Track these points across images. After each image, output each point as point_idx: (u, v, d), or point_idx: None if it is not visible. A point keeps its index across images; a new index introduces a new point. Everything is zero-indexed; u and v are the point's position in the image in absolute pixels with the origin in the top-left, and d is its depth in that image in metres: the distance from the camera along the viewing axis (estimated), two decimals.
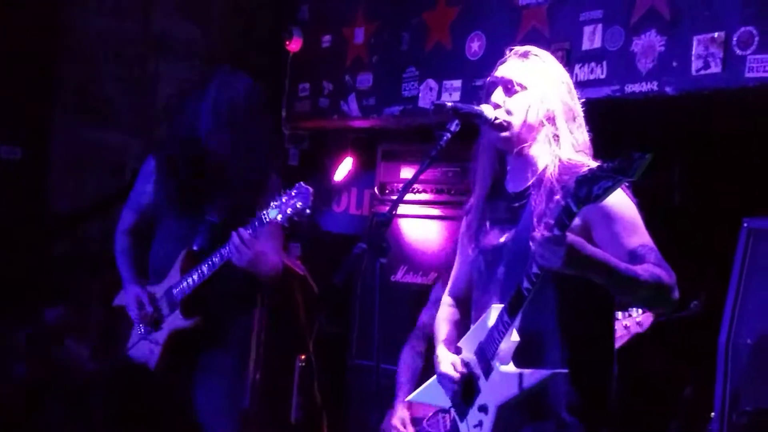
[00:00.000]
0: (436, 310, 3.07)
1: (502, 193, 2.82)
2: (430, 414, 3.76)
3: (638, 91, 3.98)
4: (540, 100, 2.72)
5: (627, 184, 2.44)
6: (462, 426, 2.76)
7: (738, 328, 3.67)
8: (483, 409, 2.67)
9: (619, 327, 3.62)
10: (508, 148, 2.77)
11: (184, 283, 3.73)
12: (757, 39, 3.60)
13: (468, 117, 2.73)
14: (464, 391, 2.74)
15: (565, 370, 2.60)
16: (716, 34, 3.72)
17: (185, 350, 3.79)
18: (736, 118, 4.32)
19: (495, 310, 2.64)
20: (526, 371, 2.57)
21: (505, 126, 2.73)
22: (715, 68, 3.73)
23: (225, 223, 3.67)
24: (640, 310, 3.72)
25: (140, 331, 3.86)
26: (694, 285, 3.57)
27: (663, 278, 2.49)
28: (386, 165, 5.27)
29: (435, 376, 2.86)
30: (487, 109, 2.73)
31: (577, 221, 2.42)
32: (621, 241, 2.56)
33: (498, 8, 4.63)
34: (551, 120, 2.72)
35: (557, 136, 2.71)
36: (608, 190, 2.24)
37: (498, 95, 2.76)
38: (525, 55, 2.80)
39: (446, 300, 3.04)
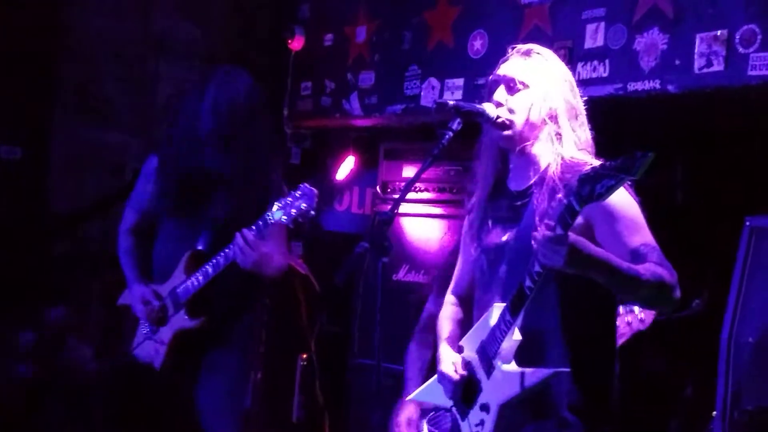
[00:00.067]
0: (438, 309, 3.06)
1: (504, 192, 2.81)
2: (435, 411, 3.74)
3: (641, 90, 3.98)
4: (542, 98, 2.72)
5: (629, 182, 2.43)
6: (463, 425, 2.76)
7: (740, 326, 3.66)
8: (485, 408, 2.67)
9: (620, 323, 3.61)
10: (510, 147, 2.77)
11: (189, 284, 3.73)
12: (759, 37, 3.60)
13: (470, 115, 2.73)
14: (465, 390, 2.74)
15: (567, 369, 2.60)
16: (719, 32, 3.71)
17: (190, 350, 3.79)
18: (738, 116, 4.32)
19: (497, 309, 2.64)
20: (528, 370, 2.57)
21: (508, 124, 2.73)
22: (717, 66, 3.73)
23: (228, 223, 3.67)
24: None
25: (145, 330, 3.86)
26: (696, 283, 3.56)
27: (665, 277, 2.48)
28: (388, 164, 5.26)
29: (436, 375, 2.86)
30: (489, 108, 2.73)
31: (579, 220, 2.41)
32: (623, 240, 2.55)
33: (500, 7, 4.64)
34: (554, 118, 2.72)
35: (560, 135, 2.71)
36: (611, 189, 2.23)
37: (500, 94, 2.75)
38: (527, 53, 2.79)
39: (449, 299, 3.04)
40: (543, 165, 2.72)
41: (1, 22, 5.18)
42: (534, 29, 4.42)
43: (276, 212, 3.48)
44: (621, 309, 3.65)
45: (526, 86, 2.73)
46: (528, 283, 2.48)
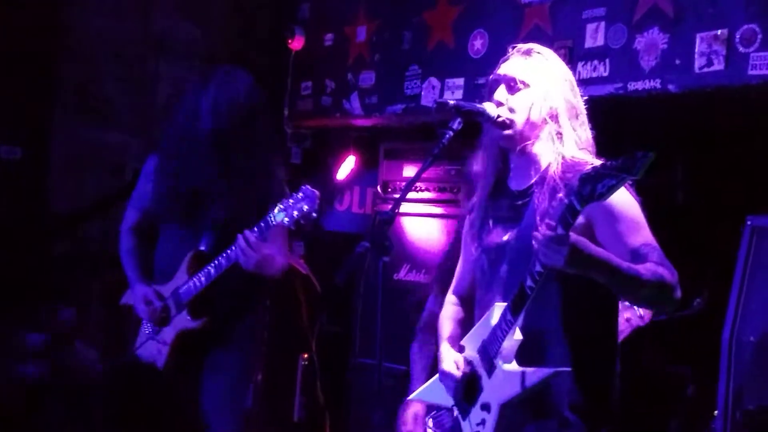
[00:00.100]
0: (438, 308, 3.06)
1: (505, 191, 2.81)
2: (437, 410, 3.74)
3: (641, 89, 3.98)
4: (543, 97, 2.72)
5: (630, 182, 2.43)
6: (465, 424, 2.76)
7: (741, 325, 3.66)
8: (486, 407, 2.67)
9: (620, 319, 3.61)
10: (510, 146, 2.76)
11: (191, 284, 3.72)
12: (760, 37, 3.60)
13: (470, 115, 2.73)
14: (467, 389, 2.74)
15: (568, 369, 2.60)
16: (719, 32, 3.71)
17: (192, 350, 3.79)
18: (739, 115, 4.32)
19: (498, 309, 2.64)
20: (529, 369, 2.57)
21: (508, 124, 2.72)
22: (718, 66, 3.73)
23: (229, 223, 3.66)
24: None
25: (148, 330, 3.86)
26: (696, 283, 3.56)
27: (665, 277, 2.48)
28: (389, 163, 5.26)
29: (438, 375, 2.86)
30: (489, 107, 2.73)
31: (580, 219, 2.41)
32: (624, 240, 2.55)
33: (501, 6, 4.64)
34: (554, 117, 2.71)
35: (560, 134, 2.71)
36: (612, 189, 2.23)
37: (501, 93, 2.75)
38: (528, 52, 2.79)
39: (450, 298, 3.04)
40: (544, 164, 2.72)
41: (1, 22, 5.18)
42: (534, 29, 4.42)
43: (278, 214, 3.48)
44: (620, 305, 3.64)
45: (526, 86, 2.73)
46: (529, 282, 2.48)
